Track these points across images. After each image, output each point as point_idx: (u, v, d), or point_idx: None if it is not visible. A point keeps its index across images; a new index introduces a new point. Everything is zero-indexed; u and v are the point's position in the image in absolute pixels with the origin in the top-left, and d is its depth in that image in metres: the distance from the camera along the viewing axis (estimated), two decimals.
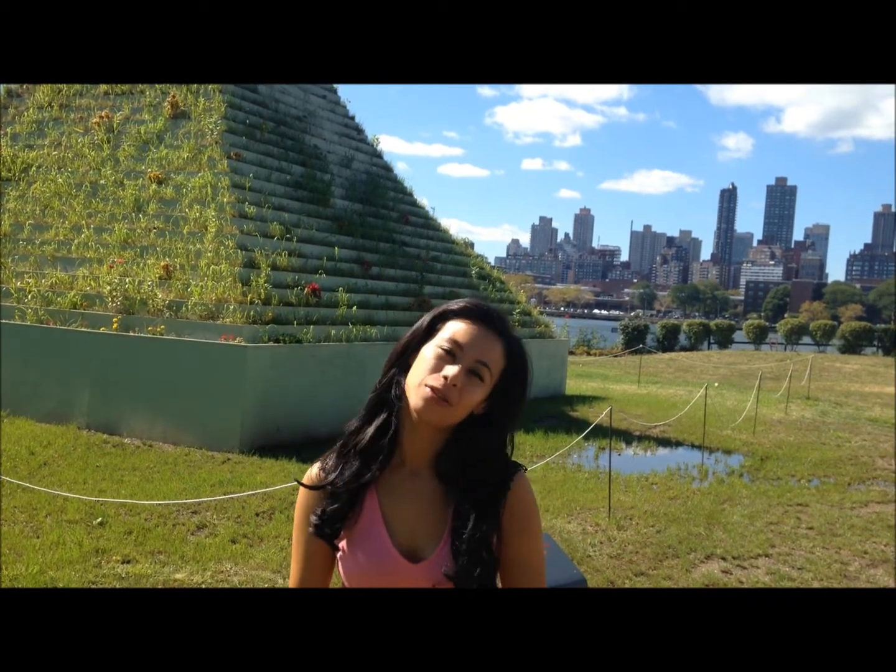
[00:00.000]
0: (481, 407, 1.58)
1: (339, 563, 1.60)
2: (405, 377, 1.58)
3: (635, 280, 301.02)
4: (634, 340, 35.73)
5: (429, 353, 1.54)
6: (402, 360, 1.61)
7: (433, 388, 1.50)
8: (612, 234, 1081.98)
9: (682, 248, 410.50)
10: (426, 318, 1.62)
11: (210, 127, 13.53)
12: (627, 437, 12.66)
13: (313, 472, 1.68)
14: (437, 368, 1.52)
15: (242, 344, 10.06)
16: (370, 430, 1.61)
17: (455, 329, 1.55)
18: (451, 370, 1.50)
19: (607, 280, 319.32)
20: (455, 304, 1.60)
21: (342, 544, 1.59)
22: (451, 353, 1.53)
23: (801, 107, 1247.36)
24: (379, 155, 18.08)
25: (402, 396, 1.58)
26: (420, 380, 1.52)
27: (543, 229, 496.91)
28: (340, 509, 1.58)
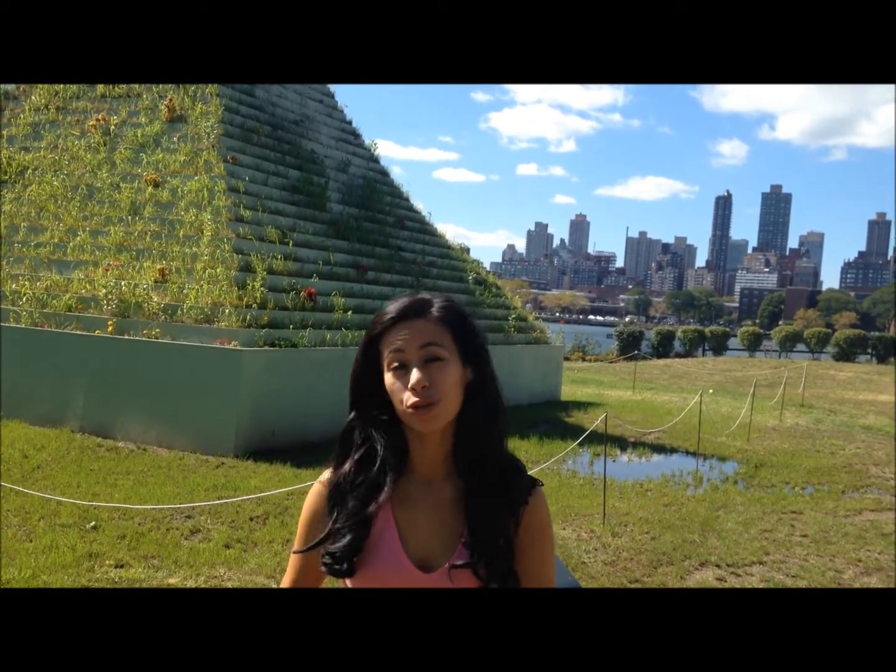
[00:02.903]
0: (468, 375, 1.56)
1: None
2: (374, 404, 1.57)
3: (630, 286, 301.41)
4: (629, 346, 35.81)
5: (389, 381, 1.53)
6: (358, 398, 1.60)
7: (412, 405, 1.48)
8: (607, 240, 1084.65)
9: (677, 254, 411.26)
10: (360, 351, 1.59)
11: (207, 130, 13.53)
12: (622, 443, 12.66)
13: (325, 475, 1.65)
14: (402, 388, 1.50)
15: (238, 348, 10.04)
16: (355, 465, 1.59)
17: (389, 342, 1.53)
18: (411, 378, 1.48)
19: (603, 286, 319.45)
20: (375, 328, 1.57)
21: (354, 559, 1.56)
22: (401, 364, 1.51)
23: (795, 114, 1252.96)
24: (375, 159, 18.10)
25: (379, 427, 1.57)
26: (399, 407, 1.51)
27: (539, 235, 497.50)
28: (353, 542, 1.55)
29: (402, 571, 1.52)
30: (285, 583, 1.65)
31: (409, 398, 1.48)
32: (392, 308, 1.55)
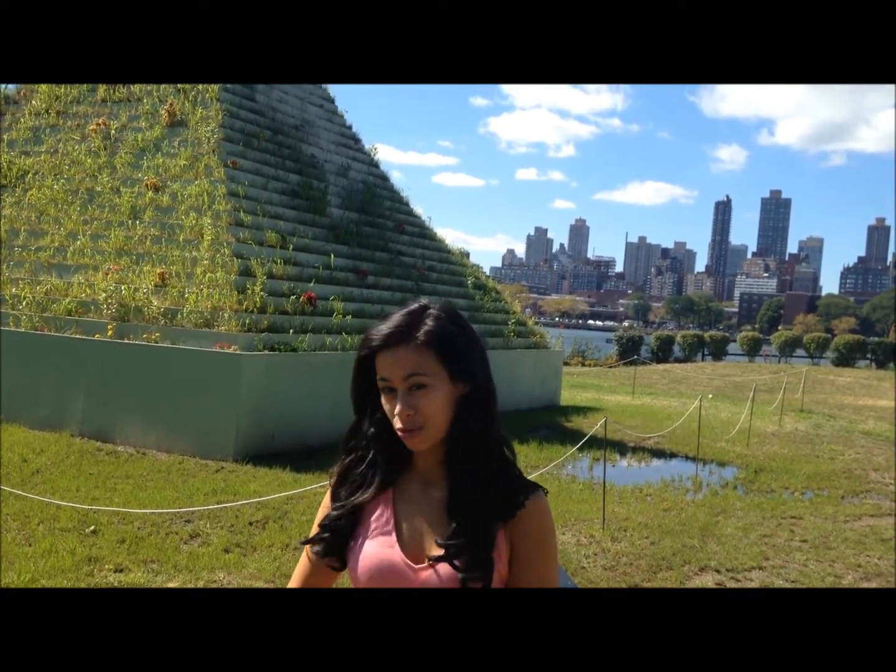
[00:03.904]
0: (462, 388, 1.59)
1: (348, 566, 1.64)
2: (375, 411, 1.63)
3: (630, 291, 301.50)
4: (629, 351, 35.79)
5: (382, 401, 1.60)
6: (358, 409, 1.67)
7: (401, 430, 1.55)
8: (606, 245, 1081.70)
9: (677, 259, 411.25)
10: (353, 369, 1.65)
11: (207, 135, 13.54)
12: (622, 448, 12.65)
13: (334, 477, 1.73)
14: (391, 411, 1.57)
15: (237, 352, 10.04)
16: (356, 462, 1.67)
17: (377, 366, 1.58)
18: (396, 407, 1.55)
19: (602, 291, 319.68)
20: (362, 350, 1.61)
21: (355, 545, 1.62)
22: (390, 389, 1.57)
23: (794, 119, 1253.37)
24: (375, 164, 18.11)
25: (381, 431, 1.63)
26: (395, 429, 1.59)
27: (539, 240, 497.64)
28: (340, 526, 1.63)
29: (392, 563, 1.57)
30: (292, 582, 1.72)
31: (396, 422, 1.56)
32: (378, 332, 1.59)
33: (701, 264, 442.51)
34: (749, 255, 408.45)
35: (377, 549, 1.59)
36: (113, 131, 14.37)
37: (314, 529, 1.70)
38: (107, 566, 5.81)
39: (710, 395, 21.69)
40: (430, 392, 1.55)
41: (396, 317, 1.60)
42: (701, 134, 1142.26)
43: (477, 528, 1.54)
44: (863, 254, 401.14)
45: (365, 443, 1.66)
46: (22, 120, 15.56)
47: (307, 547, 1.69)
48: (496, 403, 1.65)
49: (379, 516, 1.63)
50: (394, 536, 1.60)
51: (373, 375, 1.60)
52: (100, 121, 14.57)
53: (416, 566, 1.55)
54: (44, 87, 15.84)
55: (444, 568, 1.53)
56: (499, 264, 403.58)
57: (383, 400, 1.59)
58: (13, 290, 11.95)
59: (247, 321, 10.59)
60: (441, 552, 1.54)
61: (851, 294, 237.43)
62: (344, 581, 1.70)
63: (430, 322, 1.59)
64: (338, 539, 1.63)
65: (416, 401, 1.54)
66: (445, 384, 1.57)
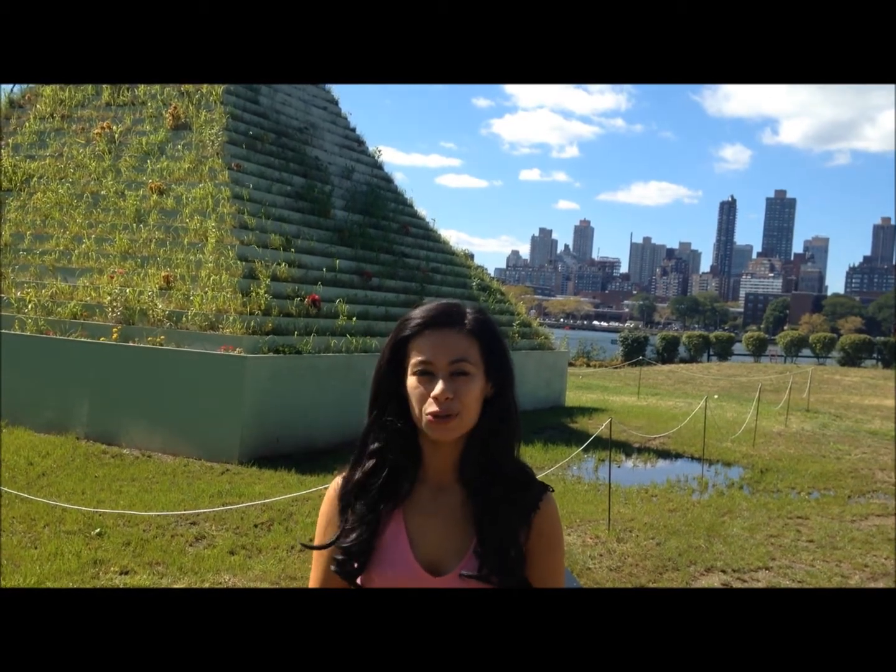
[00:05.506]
0: (489, 389, 1.56)
1: (359, 578, 1.59)
2: (393, 406, 1.58)
3: (635, 292, 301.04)
4: (634, 352, 35.78)
5: (411, 385, 1.53)
6: (381, 401, 1.60)
7: (432, 414, 1.49)
8: (611, 246, 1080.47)
9: (682, 259, 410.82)
10: (386, 353, 1.58)
11: (211, 138, 13.57)
12: (627, 448, 12.63)
13: (338, 479, 1.66)
14: (424, 395, 1.51)
15: (242, 354, 10.05)
16: (368, 469, 1.60)
17: (418, 348, 1.53)
18: (436, 388, 1.49)
19: (607, 291, 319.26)
20: (405, 329, 1.56)
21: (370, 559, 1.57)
22: (428, 373, 1.51)
23: (798, 118, 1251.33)
24: (379, 166, 18.12)
25: (395, 434, 1.57)
26: (418, 413, 1.52)
27: (543, 241, 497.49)
28: (360, 542, 1.56)
29: (411, 575, 1.53)
30: (311, 584, 1.67)
31: (430, 406, 1.49)
32: (423, 313, 1.55)
33: (706, 264, 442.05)
34: (754, 255, 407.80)
35: (392, 561, 1.54)
36: (117, 135, 14.40)
37: (319, 536, 1.64)
38: (112, 569, 5.82)
39: (716, 396, 21.65)
40: (471, 381, 1.52)
41: (436, 304, 1.57)
42: (704, 134, 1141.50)
43: (507, 542, 1.52)
44: (868, 253, 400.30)
45: (384, 446, 1.58)
46: (27, 124, 15.60)
47: (320, 556, 1.63)
48: (519, 412, 1.63)
49: (392, 526, 1.57)
50: (408, 546, 1.55)
51: (403, 365, 1.55)
52: (104, 124, 14.60)
53: (435, 578, 1.52)
54: (48, 91, 15.88)
55: (467, 582, 1.50)
56: (503, 265, 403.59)
57: (413, 385, 1.52)
58: (18, 293, 11.98)
59: (251, 324, 10.61)
60: (470, 566, 1.50)
61: (857, 293, 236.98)
62: None
63: (476, 314, 1.57)
64: (362, 560, 1.55)
65: (458, 386, 1.50)
66: (482, 379, 1.54)
